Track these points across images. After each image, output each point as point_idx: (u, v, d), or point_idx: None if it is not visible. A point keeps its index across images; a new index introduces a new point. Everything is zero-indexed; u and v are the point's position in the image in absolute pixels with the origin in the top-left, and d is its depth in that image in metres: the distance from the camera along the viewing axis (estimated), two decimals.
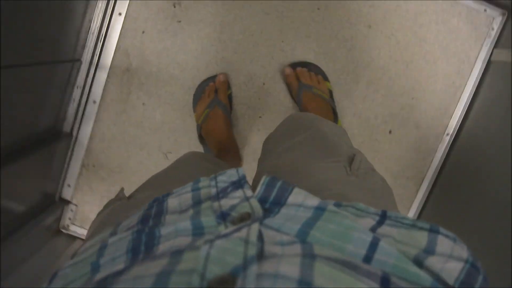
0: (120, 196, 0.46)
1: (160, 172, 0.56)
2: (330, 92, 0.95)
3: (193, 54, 0.93)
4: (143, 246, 0.25)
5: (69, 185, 0.98)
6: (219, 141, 0.86)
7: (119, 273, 0.21)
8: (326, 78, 0.95)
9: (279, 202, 0.28)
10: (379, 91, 0.96)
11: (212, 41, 0.93)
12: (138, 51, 0.94)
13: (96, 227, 0.40)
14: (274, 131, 0.64)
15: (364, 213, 0.28)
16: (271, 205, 0.28)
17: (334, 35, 0.94)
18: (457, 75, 0.95)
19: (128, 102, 0.96)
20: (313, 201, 0.27)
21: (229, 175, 0.32)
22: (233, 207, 0.27)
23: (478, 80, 0.94)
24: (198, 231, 0.25)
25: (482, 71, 0.94)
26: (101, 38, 0.94)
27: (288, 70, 0.92)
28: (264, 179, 0.30)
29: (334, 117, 0.94)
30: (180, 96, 0.95)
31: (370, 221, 0.27)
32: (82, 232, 1.01)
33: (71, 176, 0.97)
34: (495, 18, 0.92)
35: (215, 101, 0.89)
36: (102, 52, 0.94)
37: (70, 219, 0.98)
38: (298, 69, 0.93)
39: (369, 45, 0.94)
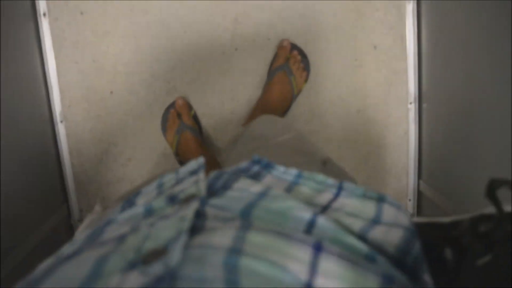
0: (96, 210, 0.47)
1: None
2: (299, 92, 0.95)
3: None
4: (100, 232, 0.26)
5: None
6: None
7: (69, 256, 0.23)
8: (307, 79, 0.95)
9: (226, 187, 0.29)
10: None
11: None
12: None
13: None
14: (249, 129, 0.66)
15: (323, 186, 0.30)
16: (219, 188, 0.29)
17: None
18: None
19: None
20: (257, 187, 0.28)
21: (190, 166, 0.33)
22: (182, 191, 0.28)
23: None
24: (148, 214, 0.26)
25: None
26: None
27: (286, 43, 0.92)
28: (215, 173, 0.31)
29: (284, 113, 0.95)
30: None
31: (329, 196, 0.29)
32: None
33: None
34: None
35: (181, 126, 0.91)
36: None
37: None
38: (295, 52, 0.92)
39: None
